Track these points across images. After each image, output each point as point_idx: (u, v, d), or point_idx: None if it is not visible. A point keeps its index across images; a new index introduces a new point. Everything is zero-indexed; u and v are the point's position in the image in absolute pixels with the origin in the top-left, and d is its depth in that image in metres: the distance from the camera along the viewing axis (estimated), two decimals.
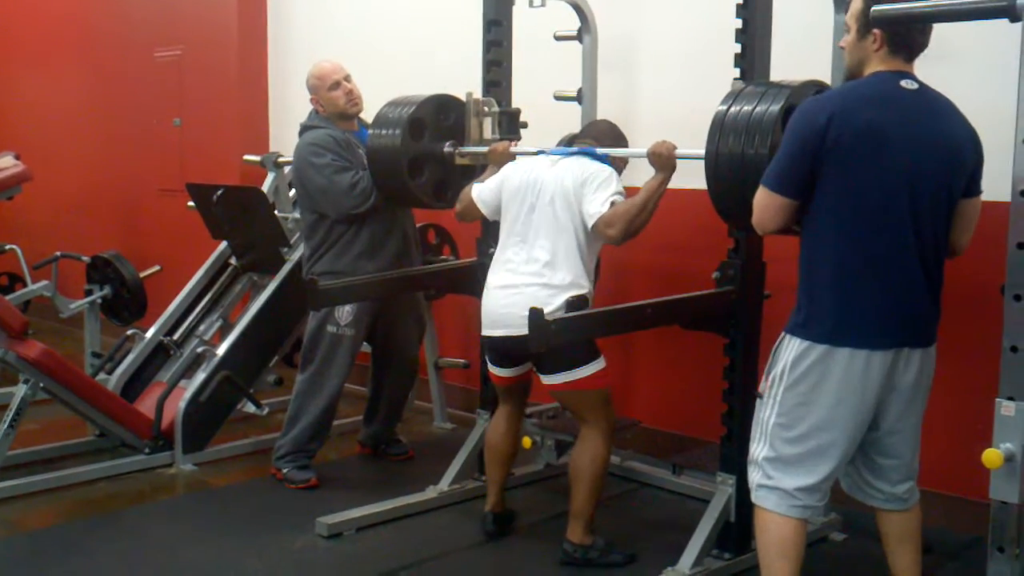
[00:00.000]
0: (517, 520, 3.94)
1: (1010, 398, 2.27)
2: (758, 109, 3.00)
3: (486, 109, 4.08)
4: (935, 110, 2.65)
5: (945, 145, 2.62)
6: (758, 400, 2.81)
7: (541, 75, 4.50)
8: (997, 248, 2.41)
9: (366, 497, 4.11)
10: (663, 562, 3.42)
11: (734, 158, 3.02)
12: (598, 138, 3.68)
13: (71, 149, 8.05)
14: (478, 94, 4.12)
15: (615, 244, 3.46)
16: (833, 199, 2.60)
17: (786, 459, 2.72)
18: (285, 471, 4.40)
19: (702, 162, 3.14)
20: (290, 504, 4.19)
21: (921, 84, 2.64)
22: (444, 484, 4.18)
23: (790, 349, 2.70)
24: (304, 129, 4.46)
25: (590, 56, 4.49)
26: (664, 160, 3.39)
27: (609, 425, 3.55)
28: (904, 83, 2.61)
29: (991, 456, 2.25)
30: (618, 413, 4.66)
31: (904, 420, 2.76)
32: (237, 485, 4.50)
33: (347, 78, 4.42)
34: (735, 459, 3.48)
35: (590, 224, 3.39)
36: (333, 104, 4.40)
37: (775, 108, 2.97)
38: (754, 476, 2.80)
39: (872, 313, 2.62)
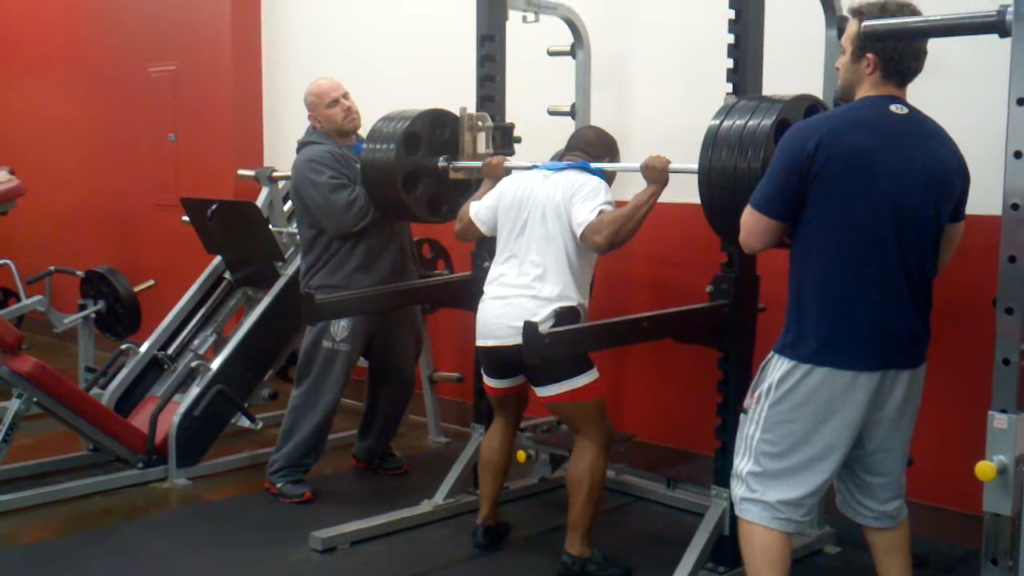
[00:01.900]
0: (510, 534, 3.94)
1: (1003, 410, 2.27)
2: (751, 123, 3.02)
3: (480, 124, 4.10)
4: (924, 134, 2.67)
5: (932, 169, 2.64)
6: (743, 415, 2.83)
7: (535, 90, 4.52)
8: (989, 261, 2.42)
9: (361, 511, 4.10)
10: None
11: (727, 172, 3.04)
12: (587, 150, 3.69)
13: (65, 164, 8.05)
14: (472, 109, 4.14)
15: (600, 252, 3.47)
16: (819, 222, 2.63)
17: (770, 474, 2.74)
18: (279, 486, 4.38)
19: (696, 176, 3.15)
20: (284, 518, 4.18)
21: (911, 108, 2.66)
22: (439, 498, 4.17)
23: (777, 368, 2.72)
24: (302, 145, 4.46)
25: (583, 71, 4.51)
26: (657, 174, 3.41)
27: (604, 436, 3.55)
28: (894, 107, 2.64)
29: (984, 468, 2.25)
30: (612, 427, 4.68)
31: (891, 440, 2.77)
32: (231, 499, 4.49)
33: (345, 95, 4.44)
34: (729, 472, 3.48)
35: (578, 232, 3.40)
36: (331, 121, 4.41)
37: (768, 122, 2.99)
38: (738, 490, 2.82)
39: (857, 335, 2.64)
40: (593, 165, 3.59)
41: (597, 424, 3.53)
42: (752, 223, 2.72)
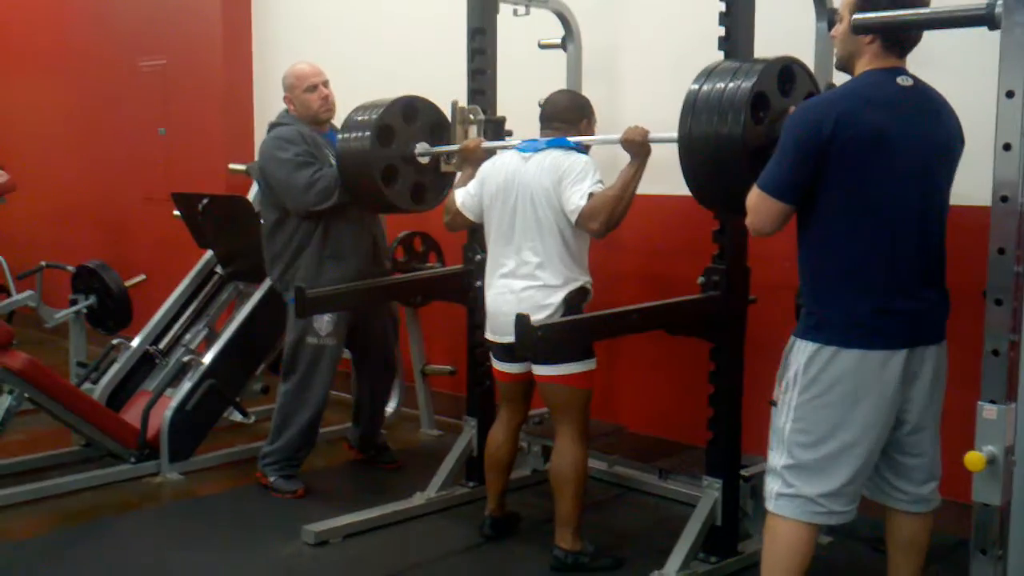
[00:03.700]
0: (519, 524, 3.96)
1: (992, 401, 2.29)
2: (730, 87, 2.95)
3: (471, 117, 4.09)
4: (931, 105, 2.68)
5: (941, 142, 2.67)
6: (773, 408, 2.76)
7: (526, 84, 4.52)
8: (978, 253, 2.43)
9: (353, 504, 4.11)
10: (650, 566, 3.43)
11: (708, 138, 2.95)
12: (564, 117, 3.64)
13: (56, 159, 8.02)
14: (463, 102, 4.14)
15: (598, 237, 3.48)
16: (839, 203, 2.60)
17: (805, 465, 2.69)
18: (272, 479, 4.38)
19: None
20: (277, 512, 4.19)
21: (916, 79, 2.66)
22: (431, 491, 4.18)
23: (802, 353, 2.68)
24: (273, 126, 4.43)
25: (574, 64, 4.52)
26: (638, 147, 3.40)
27: (583, 428, 3.56)
28: (900, 80, 2.63)
29: (973, 459, 2.26)
30: (604, 418, 4.68)
31: (925, 417, 2.74)
32: (224, 494, 4.49)
33: (325, 83, 4.40)
34: (721, 463, 3.50)
35: (572, 220, 3.41)
36: (307, 106, 4.37)
37: (747, 85, 2.92)
38: (773, 485, 2.75)
39: (886, 314, 2.62)
40: (571, 139, 3.54)
41: (579, 414, 3.55)
42: (765, 208, 2.66)
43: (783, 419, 2.72)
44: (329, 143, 4.34)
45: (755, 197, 2.68)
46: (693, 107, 3.01)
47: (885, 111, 2.59)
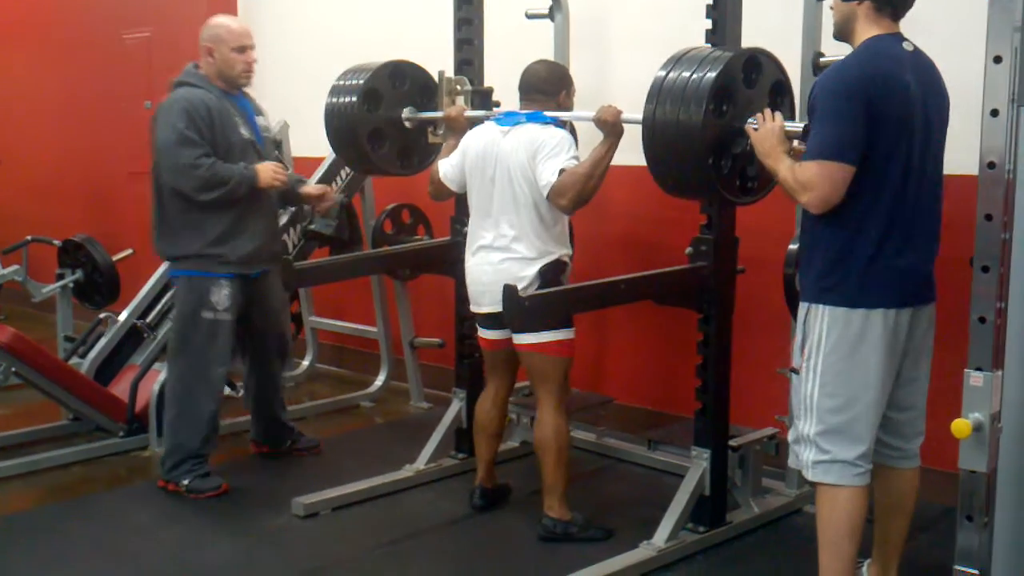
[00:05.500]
0: (510, 495, 3.97)
1: (978, 368, 2.30)
2: (694, 77, 2.94)
3: (458, 88, 4.07)
4: (930, 70, 2.70)
5: (943, 105, 2.71)
6: (794, 376, 2.77)
7: (513, 54, 4.48)
8: (965, 221, 2.43)
9: (342, 477, 4.11)
10: (639, 536, 3.45)
11: (668, 126, 2.95)
12: (542, 88, 3.61)
13: (40, 133, 7.97)
14: (450, 73, 4.11)
15: (567, 214, 3.48)
16: (871, 162, 2.58)
17: (836, 429, 2.69)
18: (186, 482, 4.05)
19: None
20: (266, 485, 4.19)
21: (915, 46, 2.68)
22: (420, 463, 4.19)
23: (822, 317, 2.68)
24: (180, 84, 4.05)
25: (562, 34, 4.49)
26: (610, 127, 3.37)
27: (562, 397, 3.58)
28: (904, 45, 2.65)
29: (960, 426, 2.28)
30: (593, 390, 4.69)
31: (916, 370, 2.80)
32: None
33: (253, 47, 4.15)
34: (709, 433, 3.51)
35: (545, 195, 3.41)
36: (230, 66, 4.04)
37: (711, 76, 2.91)
38: (806, 454, 2.75)
39: (900, 273, 2.65)
40: (548, 114, 3.53)
41: (558, 383, 3.55)
42: (833, 176, 2.56)
43: (810, 385, 2.72)
44: (238, 109, 4.11)
45: (818, 168, 2.59)
46: (658, 95, 3.00)
47: (908, 72, 2.61)
